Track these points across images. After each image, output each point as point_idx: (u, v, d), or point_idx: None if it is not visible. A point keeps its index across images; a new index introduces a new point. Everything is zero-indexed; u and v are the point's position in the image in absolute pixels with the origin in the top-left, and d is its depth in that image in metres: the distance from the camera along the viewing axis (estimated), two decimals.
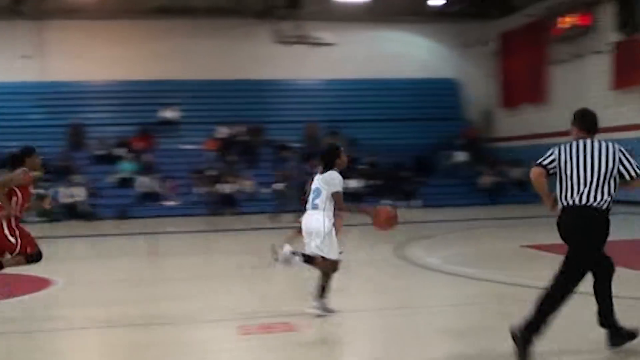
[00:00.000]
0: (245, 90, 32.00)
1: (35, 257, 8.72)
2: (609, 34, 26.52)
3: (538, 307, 6.13)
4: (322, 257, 8.12)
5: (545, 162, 6.56)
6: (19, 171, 8.49)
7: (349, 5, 31.45)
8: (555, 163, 6.50)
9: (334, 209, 8.25)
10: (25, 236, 8.60)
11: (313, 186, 8.41)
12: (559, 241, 6.34)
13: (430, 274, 11.43)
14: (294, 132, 30.50)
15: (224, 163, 27.83)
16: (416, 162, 29.74)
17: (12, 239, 8.44)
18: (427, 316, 8.47)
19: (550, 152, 6.61)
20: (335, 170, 8.32)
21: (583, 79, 28.14)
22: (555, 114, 29.53)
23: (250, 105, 31.47)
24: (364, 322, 8.46)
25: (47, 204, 10.59)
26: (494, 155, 31.36)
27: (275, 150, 29.60)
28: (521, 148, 31.03)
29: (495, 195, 28.02)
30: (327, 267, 8.19)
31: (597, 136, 6.75)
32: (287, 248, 8.31)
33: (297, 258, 8.27)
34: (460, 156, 30.33)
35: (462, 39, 33.77)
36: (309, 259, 8.25)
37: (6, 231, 8.43)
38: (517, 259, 13.09)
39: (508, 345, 6.07)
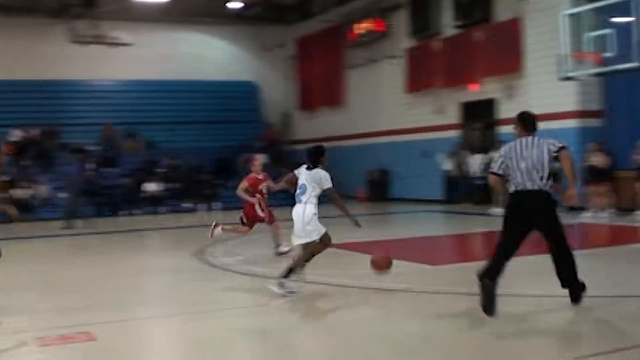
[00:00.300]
0: (40, 91, 30.72)
1: None
2: (403, 40, 27.63)
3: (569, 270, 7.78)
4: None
5: (495, 169, 7.94)
6: None
7: (146, 5, 30.90)
8: (503, 160, 7.83)
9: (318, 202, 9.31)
10: None
11: (299, 182, 9.38)
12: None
13: (230, 275, 11.46)
14: (90, 134, 29.61)
15: (17, 167, 26.62)
16: (216, 165, 29.67)
17: None
18: (230, 318, 8.48)
19: (497, 157, 8.02)
20: (320, 167, 9.33)
21: (378, 83, 29.15)
22: (352, 117, 30.59)
23: (45, 106, 30.24)
24: (163, 328, 8.36)
25: None
26: (293, 157, 31.88)
27: (71, 153, 28.65)
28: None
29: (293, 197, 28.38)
30: (319, 248, 9.33)
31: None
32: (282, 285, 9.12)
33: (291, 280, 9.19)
34: (261, 158, 30.49)
35: (261, 42, 34.22)
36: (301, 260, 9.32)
37: None
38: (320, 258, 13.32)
39: (315, 343, 6.21)
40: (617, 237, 15.93)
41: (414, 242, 15.81)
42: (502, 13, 23.23)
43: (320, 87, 32.71)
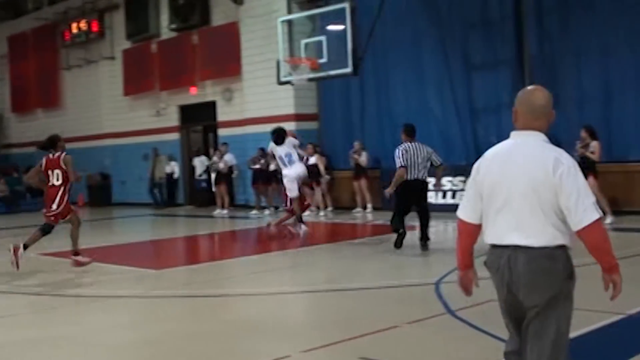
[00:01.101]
0: None
1: None
2: (121, 41, 27.16)
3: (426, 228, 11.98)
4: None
5: (403, 162, 11.64)
6: None
7: None
8: (405, 156, 11.64)
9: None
10: None
11: (283, 152, 13.93)
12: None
13: None
14: None
15: None
16: None
17: None
18: None
19: (399, 154, 11.70)
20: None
21: (96, 84, 28.42)
22: (70, 119, 29.53)
23: None
24: None
25: None
26: (7, 161, 30.34)
27: None
28: (37, 154, 30.40)
29: (12, 204, 26.93)
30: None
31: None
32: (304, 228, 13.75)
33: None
34: None
35: None
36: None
37: None
38: (37, 268, 12.78)
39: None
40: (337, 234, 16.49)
41: (137, 247, 15.61)
42: (219, 17, 23.52)
43: (35, 87, 31.26)
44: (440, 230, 14.71)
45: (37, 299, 9.56)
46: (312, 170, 19.39)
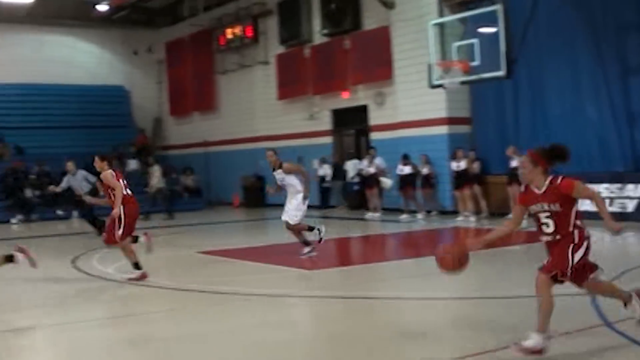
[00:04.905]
0: None
1: None
2: (274, 46, 27.75)
3: None
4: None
5: None
6: None
7: (8, 6, 29.83)
8: None
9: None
10: None
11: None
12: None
13: (110, 284, 11.27)
14: None
15: None
16: (89, 171, 28.67)
17: None
18: (110, 328, 8.37)
19: None
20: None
21: (250, 88, 29.10)
22: (225, 122, 30.45)
23: None
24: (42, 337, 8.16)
25: None
26: (166, 162, 31.54)
27: None
28: (193, 155, 31.56)
29: (169, 204, 27.92)
30: None
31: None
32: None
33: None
34: (132, 164, 30.02)
35: (131, 46, 33.69)
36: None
37: None
38: (194, 265, 13.32)
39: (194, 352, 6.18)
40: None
41: (289, 247, 15.92)
42: (370, 22, 23.65)
43: (192, 92, 32.35)
44: (598, 239, 14.28)
45: (195, 295, 9.97)
46: (467, 174, 19.34)
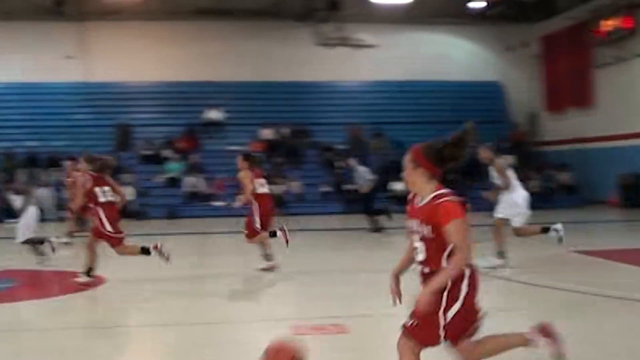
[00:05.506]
0: (287, 92, 32.13)
1: None
2: None
3: None
4: None
5: None
6: None
7: (388, 7, 31.41)
8: None
9: None
10: None
11: None
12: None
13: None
14: (335, 133, 30.61)
15: (269, 164, 27.89)
16: (467, 165, 29.27)
17: None
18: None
19: None
20: None
21: (629, 82, 27.88)
22: (602, 118, 29.36)
23: (292, 107, 31.63)
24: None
25: None
26: (541, 159, 31.23)
27: (321, 152, 29.74)
28: (568, 152, 30.91)
29: (543, 200, 27.62)
30: None
31: None
32: None
33: None
34: (508, 159, 30.04)
35: (504, 41, 33.66)
36: None
37: None
38: (567, 264, 12.96)
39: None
40: None
41: None
42: None
43: (567, 87, 31.66)
44: None
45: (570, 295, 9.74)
46: None
